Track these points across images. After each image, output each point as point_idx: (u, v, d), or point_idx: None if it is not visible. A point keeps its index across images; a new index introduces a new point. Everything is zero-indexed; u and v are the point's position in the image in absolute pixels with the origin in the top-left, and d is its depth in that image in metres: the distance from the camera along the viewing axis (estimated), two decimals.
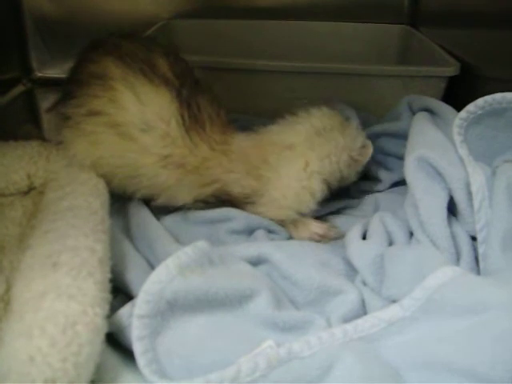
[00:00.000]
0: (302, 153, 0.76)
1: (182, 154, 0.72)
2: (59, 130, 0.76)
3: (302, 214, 0.77)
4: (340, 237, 0.77)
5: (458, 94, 1.06)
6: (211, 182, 0.75)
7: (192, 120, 0.73)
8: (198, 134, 0.73)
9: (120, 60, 0.71)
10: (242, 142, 0.77)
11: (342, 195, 0.89)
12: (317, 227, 0.77)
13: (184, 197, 0.75)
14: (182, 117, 0.72)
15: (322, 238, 0.77)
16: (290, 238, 0.78)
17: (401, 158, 0.78)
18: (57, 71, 1.44)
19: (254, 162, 0.76)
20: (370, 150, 0.82)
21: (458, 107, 0.76)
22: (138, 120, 0.70)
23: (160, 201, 0.75)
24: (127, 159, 0.72)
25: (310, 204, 0.76)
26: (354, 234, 0.68)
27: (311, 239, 0.77)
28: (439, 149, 0.67)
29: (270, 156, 0.76)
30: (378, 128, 0.93)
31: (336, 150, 0.78)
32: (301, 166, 0.75)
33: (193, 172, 0.74)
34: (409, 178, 0.68)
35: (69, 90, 0.75)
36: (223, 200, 0.77)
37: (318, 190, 0.76)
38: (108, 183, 0.73)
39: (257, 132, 0.79)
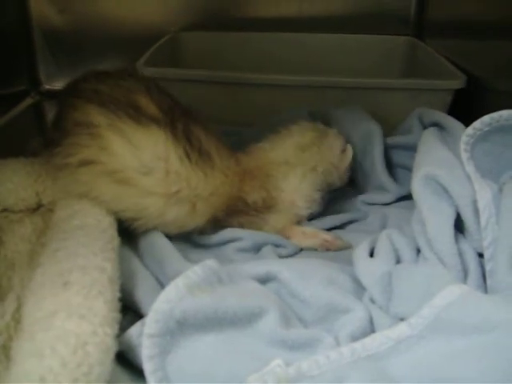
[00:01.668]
0: (295, 166, 0.83)
1: (191, 187, 0.72)
2: (52, 178, 0.76)
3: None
4: (347, 247, 0.79)
5: (464, 107, 1.06)
6: (226, 200, 0.77)
7: (195, 152, 0.72)
8: (207, 164, 0.74)
9: (103, 107, 0.70)
10: (246, 161, 0.81)
11: (347, 208, 0.90)
12: (325, 234, 0.81)
13: (196, 222, 0.75)
14: (185, 150, 0.71)
15: (331, 246, 0.79)
16: (298, 251, 0.80)
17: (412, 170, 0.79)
18: (65, 84, 1.43)
19: (261, 178, 0.80)
20: (349, 155, 0.89)
21: (465, 120, 0.76)
22: (136, 164, 0.69)
23: (169, 231, 0.75)
24: (127, 204, 0.71)
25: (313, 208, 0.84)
26: (361, 251, 0.68)
27: (320, 246, 0.79)
28: (446, 166, 0.67)
29: (272, 172, 0.81)
30: (390, 140, 0.94)
31: (319, 162, 0.85)
32: (298, 178, 0.82)
33: (206, 199, 0.74)
34: (416, 196, 0.68)
35: (54, 137, 0.74)
36: (239, 210, 0.80)
37: (316, 199, 0.84)
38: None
39: (253, 151, 0.84)
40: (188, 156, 0.72)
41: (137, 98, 0.72)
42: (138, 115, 0.70)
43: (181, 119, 0.73)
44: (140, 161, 0.69)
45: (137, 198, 0.70)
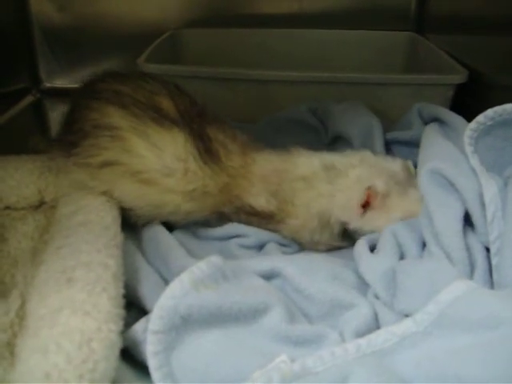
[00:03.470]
0: (312, 186, 0.75)
1: (204, 184, 0.73)
2: (70, 169, 0.75)
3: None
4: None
5: (466, 102, 1.06)
6: (234, 199, 0.76)
7: (207, 152, 0.73)
8: (215, 163, 0.74)
9: (124, 109, 0.71)
10: (262, 163, 0.78)
11: None
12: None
13: (204, 214, 0.77)
14: (198, 150, 0.72)
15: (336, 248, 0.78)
16: (301, 250, 0.79)
17: (414, 166, 0.79)
18: (65, 81, 1.45)
19: (274, 184, 0.76)
20: (352, 204, 0.72)
21: (467, 115, 0.76)
22: (159, 166, 0.71)
23: (175, 220, 0.76)
24: (148, 201, 0.72)
25: (322, 237, 0.76)
26: (361, 247, 0.68)
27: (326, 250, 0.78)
28: (451, 160, 0.67)
29: (285, 182, 0.76)
30: (389, 136, 0.94)
31: (330, 192, 0.74)
32: (312, 197, 0.75)
33: (215, 195, 0.75)
34: (422, 190, 0.68)
35: (71, 139, 0.74)
36: (247, 212, 0.77)
37: (322, 228, 0.76)
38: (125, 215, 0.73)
39: (280, 154, 0.79)
40: (201, 156, 0.73)
41: (159, 99, 0.74)
42: (160, 118, 0.72)
43: (196, 120, 0.74)
44: (163, 162, 0.71)
45: (157, 195, 0.72)
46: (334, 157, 0.77)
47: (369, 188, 0.71)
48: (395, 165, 0.75)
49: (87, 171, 0.72)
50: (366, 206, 0.72)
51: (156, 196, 0.72)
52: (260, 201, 0.76)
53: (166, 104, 0.73)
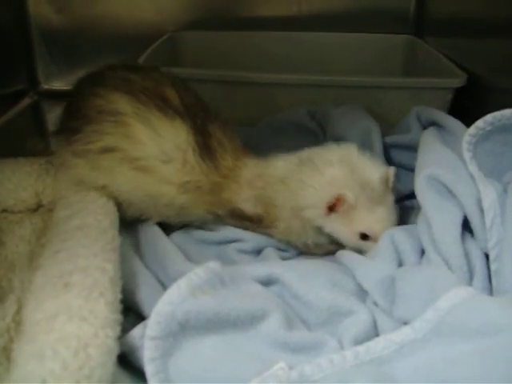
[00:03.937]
0: (288, 184, 0.74)
1: (198, 179, 0.73)
2: (70, 163, 0.74)
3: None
4: None
5: (465, 106, 1.06)
6: (225, 201, 0.76)
7: (206, 148, 0.74)
8: (211, 161, 0.74)
9: (131, 95, 0.72)
10: (251, 168, 0.78)
11: None
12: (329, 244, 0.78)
13: (198, 212, 0.77)
14: (198, 145, 0.73)
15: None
16: (299, 254, 0.79)
17: (412, 170, 0.78)
18: (63, 84, 1.45)
19: (259, 188, 0.76)
20: (315, 211, 0.72)
21: (466, 118, 0.76)
22: (158, 153, 0.71)
23: (172, 219, 0.77)
24: (146, 191, 0.72)
25: (310, 238, 0.76)
26: (356, 254, 0.68)
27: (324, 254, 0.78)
28: (449, 166, 0.67)
29: (269, 186, 0.76)
30: (388, 139, 0.93)
31: (304, 186, 0.73)
32: (292, 199, 0.74)
33: (208, 193, 0.75)
34: (420, 197, 0.68)
35: (74, 125, 0.74)
36: (239, 216, 0.77)
37: (306, 230, 0.75)
38: (123, 212, 0.73)
39: (265, 160, 0.79)
40: (200, 151, 0.73)
41: (165, 90, 0.74)
42: (165, 107, 0.72)
43: (200, 115, 0.75)
44: (162, 149, 0.71)
45: (154, 185, 0.72)
46: (314, 151, 0.76)
47: (339, 195, 0.69)
48: (375, 174, 0.72)
49: (87, 159, 0.72)
50: (331, 208, 0.71)
51: (152, 186, 0.72)
52: (248, 205, 0.77)
53: (172, 95, 0.74)
